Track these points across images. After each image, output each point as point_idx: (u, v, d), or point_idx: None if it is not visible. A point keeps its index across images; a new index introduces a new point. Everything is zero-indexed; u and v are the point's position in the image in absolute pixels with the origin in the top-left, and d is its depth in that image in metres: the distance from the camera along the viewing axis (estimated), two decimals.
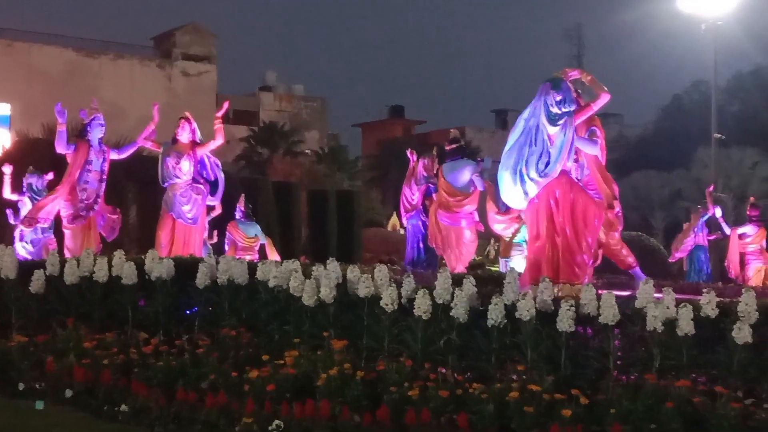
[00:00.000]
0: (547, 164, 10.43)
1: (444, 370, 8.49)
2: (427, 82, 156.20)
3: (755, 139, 46.62)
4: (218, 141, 14.86)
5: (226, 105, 15.94)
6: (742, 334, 7.89)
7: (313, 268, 9.74)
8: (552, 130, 10.45)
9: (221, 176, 15.01)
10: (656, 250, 28.43)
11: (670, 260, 23.17)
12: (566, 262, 10.53)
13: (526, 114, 10.66)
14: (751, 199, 22.39)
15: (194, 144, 14.60)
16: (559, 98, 10.44)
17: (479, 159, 18.87)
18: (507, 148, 10.67)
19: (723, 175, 41.43)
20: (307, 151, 55.75)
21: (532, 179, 10.46)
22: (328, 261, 9.71)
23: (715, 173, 36.25)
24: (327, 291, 9.27)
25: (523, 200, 10.67)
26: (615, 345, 8.35)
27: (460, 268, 16.04)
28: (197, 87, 57.19)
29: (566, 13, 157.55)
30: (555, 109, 10.43)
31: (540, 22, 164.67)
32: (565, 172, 10.61)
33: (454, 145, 17.33)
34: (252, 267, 10.16)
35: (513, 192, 10.65)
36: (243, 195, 18.34)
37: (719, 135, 35.67)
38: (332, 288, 9.28)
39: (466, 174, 16.83)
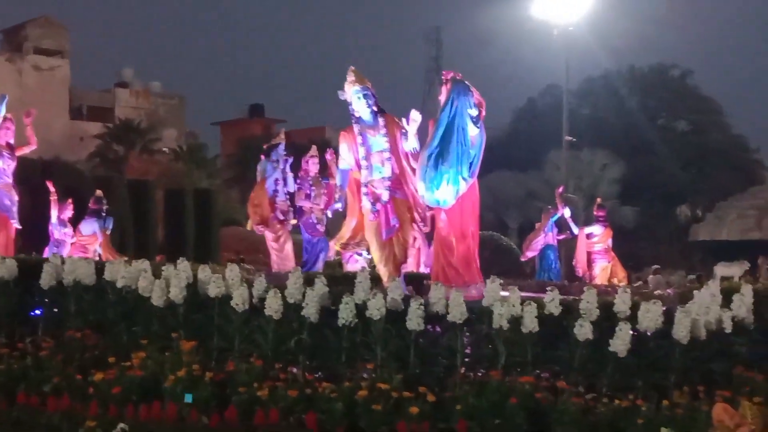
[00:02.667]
0: (471, 164, 10.38)
1: (295, 370, 8.50)
2: (287, 81, 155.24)
3: (605, 141, 48.12)
4: (32, 146, 14.85)
5: (34, 111, 15.43)
6: (583, 330, 8.17)
7: (163, 267, 9.58)
8: (473, 131, 10.41)
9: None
10: (510, 250, 29.06)
11: (521, 259, 23.67)
12: (476, 262, 10.57)
13: (448, 111, 10.38)
14: (598, 200, 22.99)
15: (9, 146, 14.41)
16: (473, 100, 10.44)
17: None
18: (434, 144, 10.28)
19: (574, 177, 42.71)
20: (164, 149, 54.69)
21: (464, 179, 10.32)
22: (178, 260, 9.57)
23: (567, 175, 37.27)
24: (177, 291, 9.13)
25: (452, 200, 10.34)
26: (463, 343, 8.54)
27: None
28: (49, 82, 55.39)
29: (425, 15, 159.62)
30: (473, 111, 10.36)
31: (398, 24, 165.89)
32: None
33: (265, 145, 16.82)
34: (100, 267, 9.93)
35: (443, 191, 10.29)
36: (98, 191, 17.83)
37: (570, 138, 36.68)
38: (182, 288, 9.15)
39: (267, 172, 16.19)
